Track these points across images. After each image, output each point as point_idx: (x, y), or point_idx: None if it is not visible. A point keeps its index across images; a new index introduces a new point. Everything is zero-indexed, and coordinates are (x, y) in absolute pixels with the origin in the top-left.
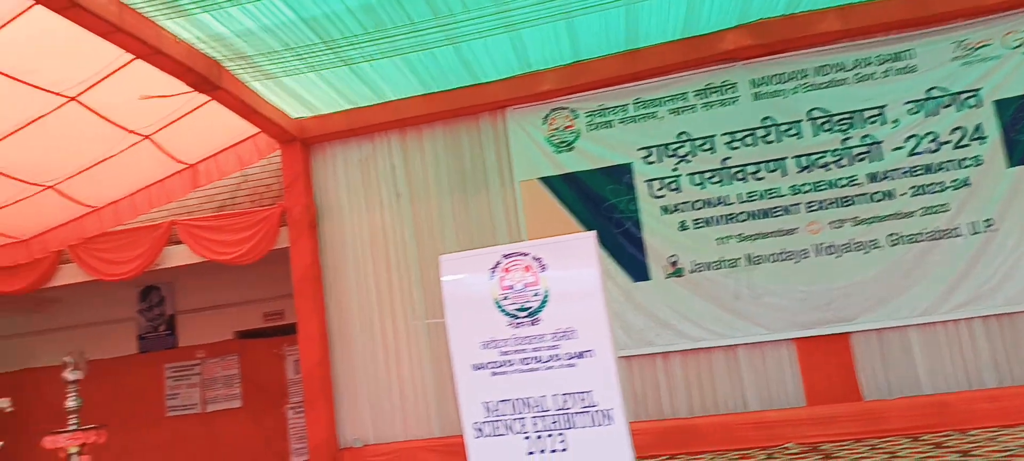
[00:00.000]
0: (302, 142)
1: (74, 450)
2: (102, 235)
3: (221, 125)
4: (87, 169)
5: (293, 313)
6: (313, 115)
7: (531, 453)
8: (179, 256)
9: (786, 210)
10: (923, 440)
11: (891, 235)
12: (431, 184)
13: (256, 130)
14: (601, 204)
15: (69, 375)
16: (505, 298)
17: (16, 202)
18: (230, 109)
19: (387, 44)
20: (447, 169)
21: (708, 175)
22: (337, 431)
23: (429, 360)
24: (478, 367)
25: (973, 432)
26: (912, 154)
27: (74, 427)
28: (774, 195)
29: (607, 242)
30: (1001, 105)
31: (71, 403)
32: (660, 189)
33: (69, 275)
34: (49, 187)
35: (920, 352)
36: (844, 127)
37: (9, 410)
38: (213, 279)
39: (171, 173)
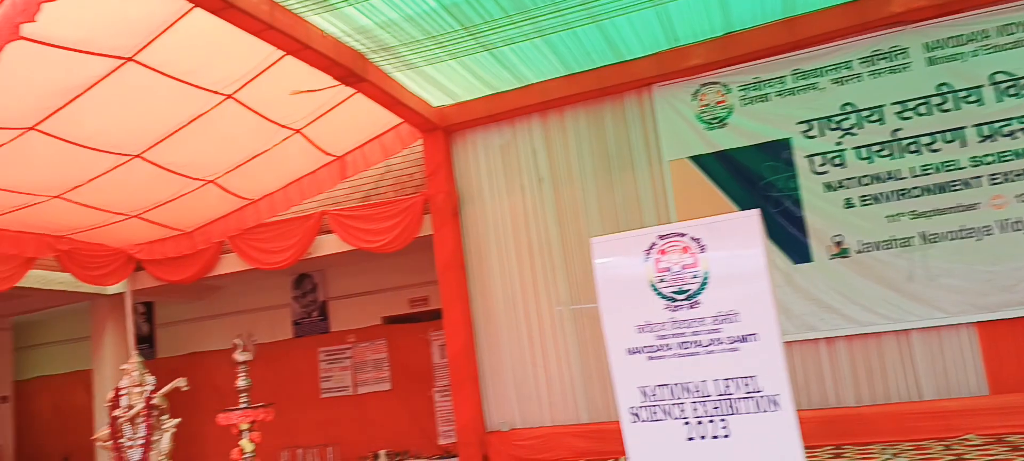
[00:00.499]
0: (443, 130)
1: (245, 426)
2: (259, 226)
3: (366, 117)
4: (244, 164)
5: (438, 299)
6: (454, 102)
7: (691, 439)
8: (329, 245)
9: (966, 184)
10: None
11: None
12: (574, 167)
13: (399, 120)
14: (757, 182)
15: (239, 356)
16: (661, 280)
17: (180, 196)
18: (374, 101)
19: (528, 26)
20: (591, 151)
21: (876, 148)
22: (484, 414)
23: (574, 346)
24: (633, 351)
25: None
26: None
27: (244, 405)
28: (952, 168)
29: (764, 222)
30: None
31: (241, 383)
32: (822, 165)
33: (230, 264)
34: (210, 181)
35: None
36: None
37: (185, 389)
38: (361, 267)
39: (320, 165)
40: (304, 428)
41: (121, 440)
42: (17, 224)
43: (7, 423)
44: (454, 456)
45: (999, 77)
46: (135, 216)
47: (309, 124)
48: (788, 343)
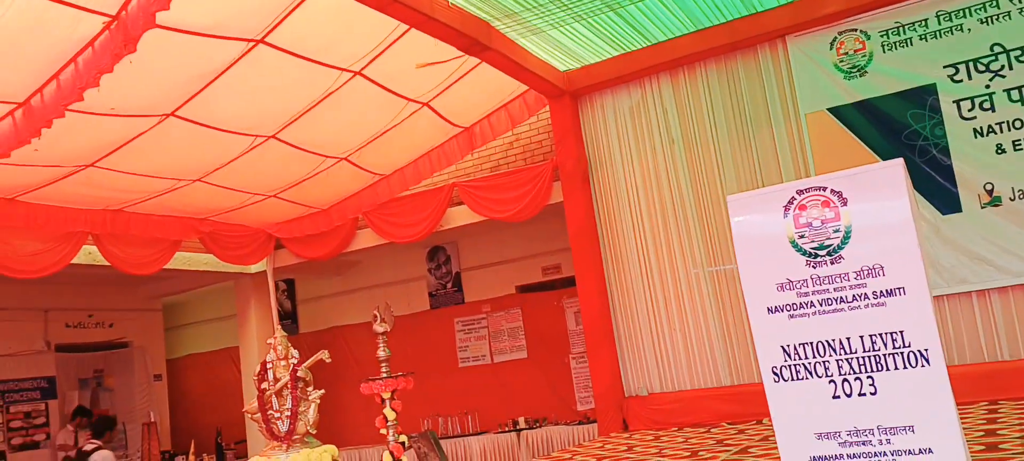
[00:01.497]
0: (570, 95)
1: (388, 395)
2: (392, 201)
3: (492, 86)
4: (374, 139)
5: (570, 266)
6: (580, 66)
7: (836, 397)
8: (461, 216)
9: None
10: None
11: None
12: (707, 125)
13: (525, 88)
14: (901, 132)
15: (378, 327)
16: (802, 237)
17: (315, 174)
18: (500, 69)
19: None
20: (723, 108)
21: None
22: (622, 379)
23: (712, 308)
24: (773, 310)
25: None
26: None
27: (386, 375)
28: None
29: (910, 173)
30: None
31: (381, 353)
32: (971, 110)
33: (365, 240)
34: (342, 159)
35: None
36: None
37: (328, 361)
38: (493, 237)
39: (449, 137)
40: (444, 397)
41: (269, 412)
42: (162, 208)
43: (162, 399)
44: (593, 421)
45: None
46: (272, 195)
47: (436, 96)
48: (937, 298)
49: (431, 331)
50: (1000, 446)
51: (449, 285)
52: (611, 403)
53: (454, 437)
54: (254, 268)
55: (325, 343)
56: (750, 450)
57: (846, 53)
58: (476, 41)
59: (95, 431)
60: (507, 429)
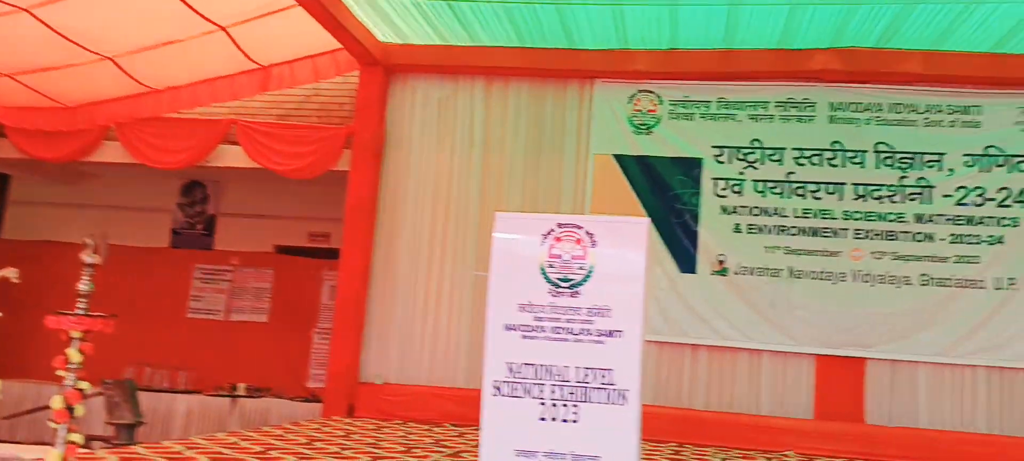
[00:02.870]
0: (384, 68)
1: (77, 335)
2: (155, 119)
3: (303, 32)
4: (152, 48)
5: (340, 238)
6: (401, 43)
7: (543, 419)
8: (231, 157)
9: (835, 233)
10: None
11: (923, 275)
12: (507, 139)
13: (338, 46)
14: (667, 192)
15: (86, 257)
16: (551, 266)
17: (69, 66)
18: (317, 18)
19: None
20: (526, 127)
21: (771, 185)
22: (360, 364)
23: (469, 312)
24: (510, 327)
25: None
26: (959, 204)
27: (82, 312)
28: (827, 216)
29: (664, 230)
30: None
31: (83, 287)
32: (724, 189)
33: (111, 154)
34: (107, 58)
35: (925, 388)
36: (904, 166)
37: (16, 281)
38: (263, 187)
39: (240, 71)
40: (160, 346)
41: None
42: None
43: None
44: (319, 401)
45: (881, 147)
46: (7, 75)
47: (237, 24)
48: (660, 343)
49: (164, 271)
50: None
51: (199, 226)
52: (342, 386)
53: (159, 391)
54: None
55: (33, 257)
56: (462, 454)
57: (640, 110)
58: None
59: None
60: (223, 393)
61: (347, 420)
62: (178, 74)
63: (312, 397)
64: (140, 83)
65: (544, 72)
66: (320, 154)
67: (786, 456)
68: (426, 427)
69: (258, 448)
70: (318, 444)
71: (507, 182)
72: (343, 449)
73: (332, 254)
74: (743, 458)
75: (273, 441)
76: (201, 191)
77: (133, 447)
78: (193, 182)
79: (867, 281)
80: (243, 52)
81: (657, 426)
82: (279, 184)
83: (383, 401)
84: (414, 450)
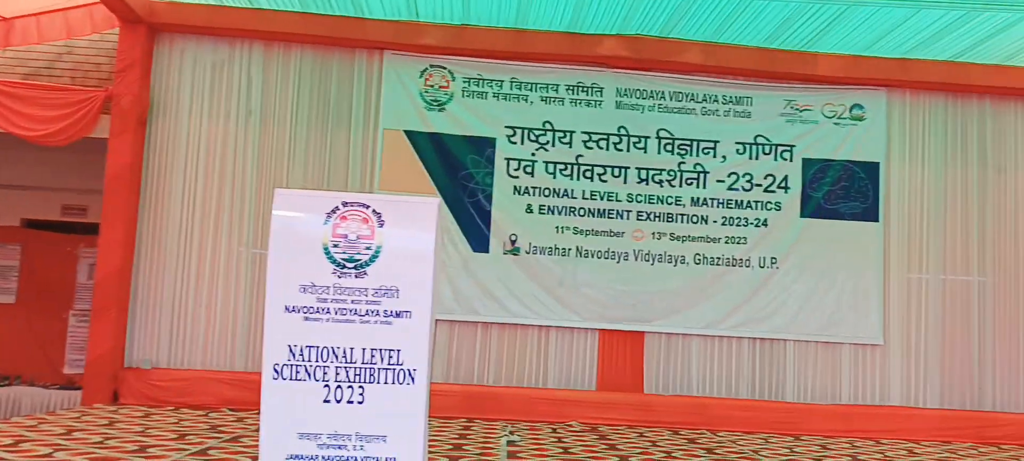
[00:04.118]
0: (148, 26)
1: None
2: None
3: None
4: None
5: (99, 212)
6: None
7: (326, 401)
8: None
9: (619, 214)
10: (682, 434)
11: (697, 255)
12: (289, 110)
13: None
14: (459, 171)
15: None
16: (336, 246)
17: None
18: None
19: None
20: (310, 98)
21: (561, 167)
22: (125, 347)
23: (247, 291)
24: (291, 309)
25: (722, 433)
26: (730, 189)
27: None
28: (612, 198)
29: (457, 209)
30: (807, 164)
31: None
32: (516, 169)
33: None
34: None
35: (697, 359)
36: (682, 152)
37: None
38: (6, 155)
39: None
40: None
41: None
42: None
43: None
44: (78, 389)
45: (662, 133)
46: None
47: None
48: (451, 321)
49: None
50: (461, 460)
51: None
52: (105, 371)
53: None
54: None
55: None
56: (241, 439)
57: (432, 86)
58: None
59: None
60: None
61: (111, 407)
62: None
63: (70, 384)
64: None
65: (329, 40)
66: (74, 119)
67: (571, 426)
68: (201, 412)
69: (8, 440)
70: (78, 434)
71: (289, 156)
72: (107, 438)
73: (91, 229)
74: (531, 430)
75: (25, 432)
76: None
77: None
78: None
79: (647, 260)
80: None
81: (448, 403)
82: (27, 151)
83: (152, 386)
84: (188, 437)
